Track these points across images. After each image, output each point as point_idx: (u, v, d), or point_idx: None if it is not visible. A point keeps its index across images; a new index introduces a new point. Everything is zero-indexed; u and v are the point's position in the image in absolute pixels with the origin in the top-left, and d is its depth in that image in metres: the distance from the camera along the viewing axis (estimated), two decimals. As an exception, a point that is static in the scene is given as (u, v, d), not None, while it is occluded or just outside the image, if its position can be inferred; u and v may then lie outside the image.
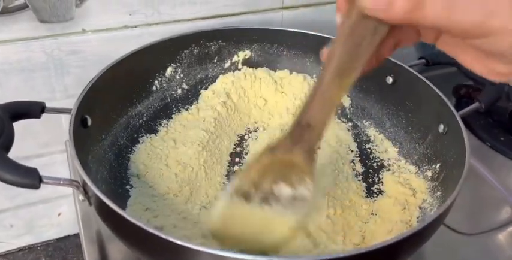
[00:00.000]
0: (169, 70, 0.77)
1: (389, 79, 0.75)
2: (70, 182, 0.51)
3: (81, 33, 0.75)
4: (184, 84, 0.80)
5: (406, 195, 0.67)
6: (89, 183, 0.49)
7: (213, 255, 0.42)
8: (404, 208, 0.65)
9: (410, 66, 0.74)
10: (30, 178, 0.48)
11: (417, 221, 0.63)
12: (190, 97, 0.80)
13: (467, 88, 0.99)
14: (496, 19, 0.34)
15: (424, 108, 0.72)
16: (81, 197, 0.52)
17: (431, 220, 0.49)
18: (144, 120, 0.75)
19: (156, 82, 0.76)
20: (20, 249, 0.96)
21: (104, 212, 0.50)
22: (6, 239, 0.95)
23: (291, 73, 0.84)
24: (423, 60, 0.75)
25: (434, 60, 0.75)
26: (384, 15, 0.37)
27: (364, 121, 0.81)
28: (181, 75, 0.79)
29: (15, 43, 0.72)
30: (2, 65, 0.73)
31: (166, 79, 0.78)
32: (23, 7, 0.69)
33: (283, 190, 0.50)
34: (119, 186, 0.65)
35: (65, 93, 0.80)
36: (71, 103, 0.59)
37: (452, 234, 0.71)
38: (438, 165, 0.67)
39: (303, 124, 0.48)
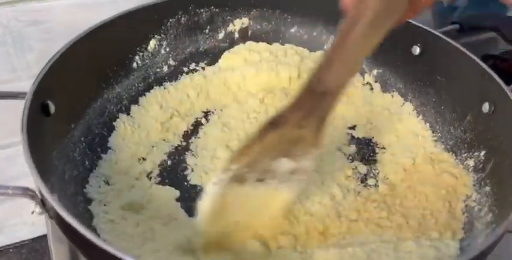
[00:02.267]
0: (152, 43, 0.69)
1: (416, 50, 0.67)
2: (23, 191, 0.41)
3: (43, -1, 0.66)
4: (170, 59, 0.72)
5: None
6: (46, 193, 0.37)
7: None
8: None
9: (442, 33, 0.64)
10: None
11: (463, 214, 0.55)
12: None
13: (494, 59, 0.90)
14: None
15: (460, 83, 0.63)
16: (38, 209, 0.40)
17: (494, 239, 0.38)
18: (124, 103, 0.66)
19: (137, 57, 0.68)
20: (-10, 252, 0.86)
21: (69, 233, 0.39)
22: (-26, 241, 0.87)
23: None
24: (456, 25, 0.64)
25: (470, 25, 0.63)
26: None
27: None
28: (167, 49, 0.71)
29: (-39, 13, 0.63)
30: None
31: (149, 54, 0.70)
32: (-33, -33, 0.57)
33: (284, 164, 0.48)
34: (94, 185, 0.57)
35: (28, 71, 0.71)
36: (37, 84, 0.52)
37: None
38: (483, 153, 0.58)
39: (318, 92, 0.45)
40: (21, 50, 0.68)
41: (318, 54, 0.74)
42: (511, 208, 0.41)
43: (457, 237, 0.52)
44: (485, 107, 0.58)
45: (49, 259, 0.89)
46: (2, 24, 0.65)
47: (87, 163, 0.57)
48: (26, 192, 0.41)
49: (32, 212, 0.85)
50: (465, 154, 0.61)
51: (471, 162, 0.59)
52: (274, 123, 0.45)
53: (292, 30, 0.75)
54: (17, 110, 0.69)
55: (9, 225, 0.87)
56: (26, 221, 0.88)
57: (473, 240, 0.50)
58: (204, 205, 0.48)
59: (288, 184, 0.49)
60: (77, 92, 0.59)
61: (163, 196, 0.57)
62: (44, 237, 0.91)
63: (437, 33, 0.64)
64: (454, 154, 0.62)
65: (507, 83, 0.57)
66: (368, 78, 0.72)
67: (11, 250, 0.89)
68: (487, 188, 0.55)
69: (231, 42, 0.75)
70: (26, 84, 0.69)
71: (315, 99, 0.45)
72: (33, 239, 0.90)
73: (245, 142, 0.48)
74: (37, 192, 0.41)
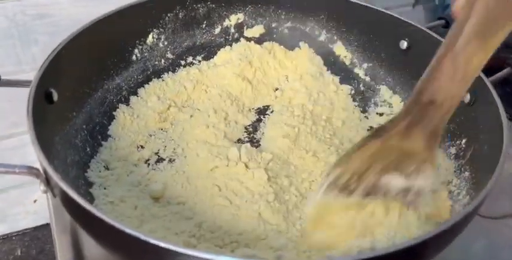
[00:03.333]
0: (151, 36, 0.70)
1: (404, 44, 0.68)
2: (29, 170, 0.43)
3: (48, -7, 0.66)
4: (168, 53, 0.72)
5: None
6: (50, 171, 0.39)
7: (194, 257, 0.35)
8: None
9: (428, 29, 0.65)
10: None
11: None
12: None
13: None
14: None
15: (444, 76, 0.63)
16: (42, 187, 0.43)
17: (469, 210, 0.41)
18: (123, 94, 0.67)
19: (136, 50, 0.69)
20: (-7, 240, 0.87)
21: (71, 207, 0.41)
22: (-23, 230, 0.86)
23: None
24: (442, 21, 0.66)
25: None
26: None
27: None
28: (165, 43, 0.72)
29: (-32, 6, 0.64)
30: (-44, 33, 0.65)
31: (148, 48, 0.70)
32: (-26, -38, 0.59)
33: (395, 180, 0.43)
34: (95, 169, 0.58)
35: (33, 64, 0.72)
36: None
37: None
38: (464, 141, 0.59)
39: (424, 101, 0.42)
40: (26, 43, 0.69)
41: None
42: (484, 188, 0.44)
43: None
44: (467, 98, 0.58)
45: (51, 247, 0.91)
46: (8, 18, 0.66)
47: (88, 149, 0.58)
48: (31, 171, 0.42)
49: (35, 201, 0.88)
50: (448, 143, 0.61)
51: (453, 150, 0.60)
52: (378, 131, 0.44)
53: (286, 25, 0.76)
54: (17, 103, 0.71)
55: (12, 214, 0.87)
56: (28, 210, 0.88)
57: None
58: (310, 211, 0.46)
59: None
60: (78, 82, 0.59)
61: (160, 182, 0.58)
62: (46, 226, 0.92)
63: (423, 28, 0.65)
64: (438, 143, 0.64)
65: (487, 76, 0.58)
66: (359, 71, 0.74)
67: (13, 238, 0.89)
68: (467, 173, 0.56)
69: (227, 36, 0.75)
70: (30, 75, 0.71)
71: (421, 108, 0.42)
72: (36, 228, 0.90)
73: (349, 150, 0.45)
74: (41, 171, 0.43)
